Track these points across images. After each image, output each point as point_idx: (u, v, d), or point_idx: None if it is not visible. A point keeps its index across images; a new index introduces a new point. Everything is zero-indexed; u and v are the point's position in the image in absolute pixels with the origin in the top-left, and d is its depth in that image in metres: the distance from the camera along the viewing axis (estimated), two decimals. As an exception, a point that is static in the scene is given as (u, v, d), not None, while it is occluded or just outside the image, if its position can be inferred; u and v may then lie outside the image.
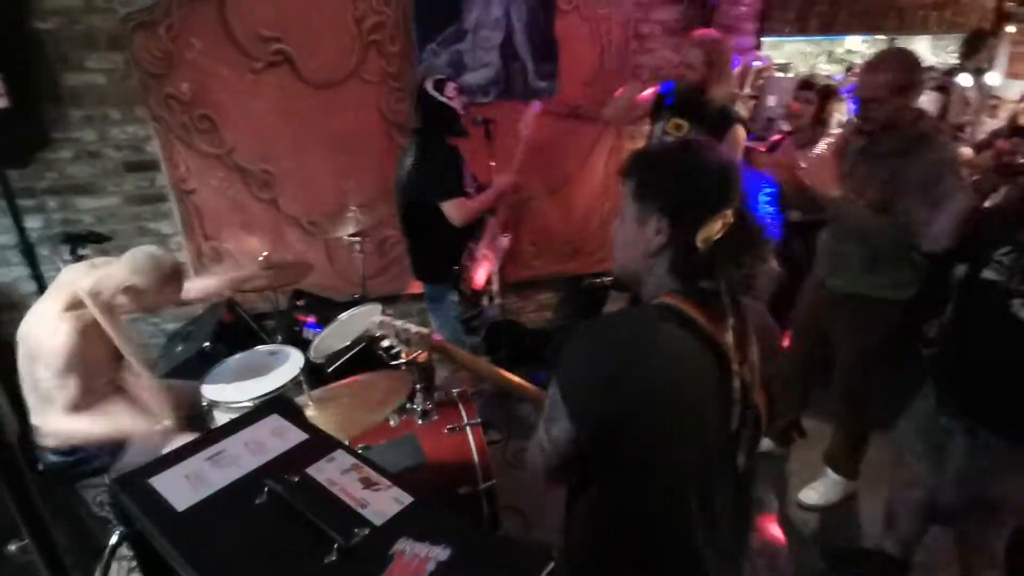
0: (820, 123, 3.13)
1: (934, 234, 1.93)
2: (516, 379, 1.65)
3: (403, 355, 1.81)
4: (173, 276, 2.01)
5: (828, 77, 3.83)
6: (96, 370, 1.99)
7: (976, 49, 3.82)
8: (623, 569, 1.08)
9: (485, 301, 3.04)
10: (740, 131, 2.74)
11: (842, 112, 3.33)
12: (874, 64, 2.06)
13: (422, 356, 1.87)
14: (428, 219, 2.59)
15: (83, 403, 1.91)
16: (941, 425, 1.80)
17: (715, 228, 0.96)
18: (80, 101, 2.79)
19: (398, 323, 1.74)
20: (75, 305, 1.91)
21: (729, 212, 0.97)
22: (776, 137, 3.35)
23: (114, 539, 1.95)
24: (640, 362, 0.94)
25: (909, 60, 2.03)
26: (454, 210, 2.54)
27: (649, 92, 2.91)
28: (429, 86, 2.53)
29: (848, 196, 2.13)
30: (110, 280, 1.94)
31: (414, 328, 1.73)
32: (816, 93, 3.16)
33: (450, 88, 2.54)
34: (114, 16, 2.68)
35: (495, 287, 3.12)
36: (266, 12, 2.82)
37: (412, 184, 2.55)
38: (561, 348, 0.99)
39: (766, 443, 2.82)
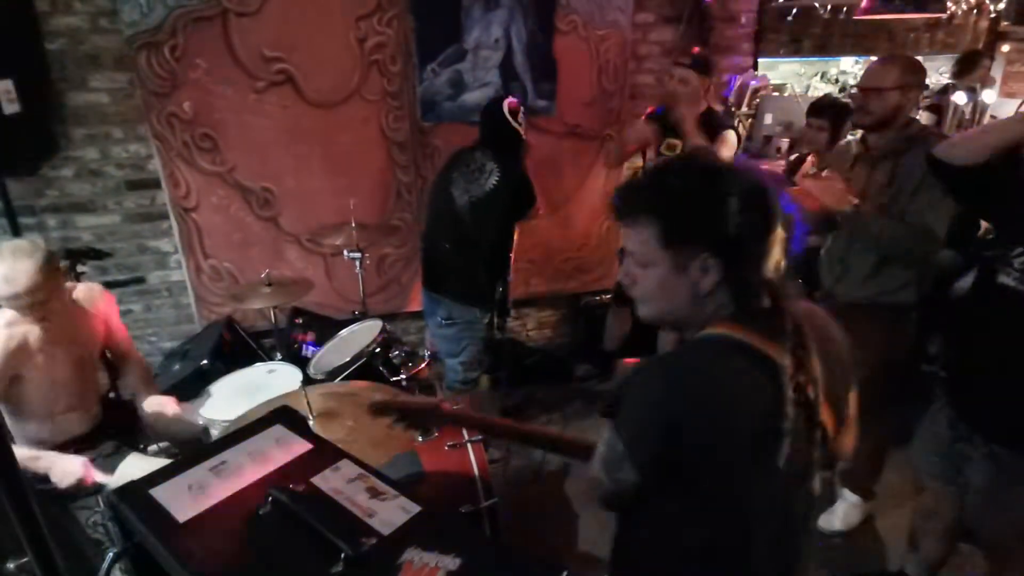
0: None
1: (951, 140, 1.73)
2: (539, 430, 1.54)
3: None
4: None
5: (839, 94, 3.79)
6: (35, 393, 1.98)
7: (970, 69, 3.86)
8: None
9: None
10: (731, 136, 2.73)
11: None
12: (884, 59, 2.16)
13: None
14: (500, 238, 2.72)
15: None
16: (957, 450, 1.73)
17: (778, 250, 0.91)
18: (83, 120, 2.80)
19: (398, 399, 1.51)
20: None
21: (780, 227, 0.90)
22: (792, 157, 3.21)
23: (107, 562, 1.90)
24: (706, 405, 0.88)
25: (916, 64, 2.11)
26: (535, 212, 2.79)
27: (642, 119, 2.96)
28: (506, 110, 2.57)
29: (864, 208, 2.10)
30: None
31: (415, 402, 1.53)
32: (827, 119, 2.96)
33: (521, 115, 2.63)
34: (119, 36, 2.70)
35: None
36: (270, 33, 2.85)
37: (502, 201, 2.60)
38: (621, 397, 0.93)
39: None
